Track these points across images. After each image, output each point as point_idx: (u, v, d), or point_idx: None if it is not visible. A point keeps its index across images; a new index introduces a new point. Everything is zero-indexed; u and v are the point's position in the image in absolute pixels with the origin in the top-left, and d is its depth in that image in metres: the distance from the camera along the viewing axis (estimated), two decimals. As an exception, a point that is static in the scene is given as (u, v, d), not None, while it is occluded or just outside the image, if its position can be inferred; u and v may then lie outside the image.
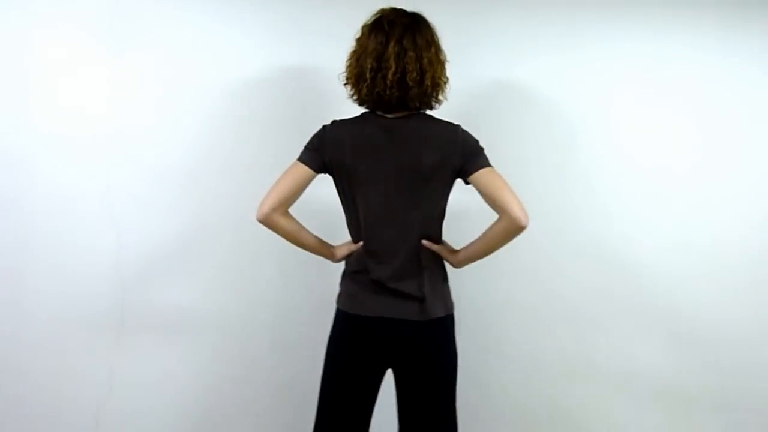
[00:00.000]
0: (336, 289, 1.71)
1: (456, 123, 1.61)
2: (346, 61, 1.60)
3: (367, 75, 1.53)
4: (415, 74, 1.51)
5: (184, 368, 2.09)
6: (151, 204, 2.02)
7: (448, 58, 1.60)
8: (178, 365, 2.08)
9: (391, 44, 1.51)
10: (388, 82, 1.51)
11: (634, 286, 2.11)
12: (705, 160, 2.08)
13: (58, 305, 2.02)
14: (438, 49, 1.57)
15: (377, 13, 1.58)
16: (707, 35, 2.05)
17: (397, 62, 1.51)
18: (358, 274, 1.65)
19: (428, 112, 1.63)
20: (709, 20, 2.04)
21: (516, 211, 1.50)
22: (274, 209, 1.57)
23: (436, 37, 1.58)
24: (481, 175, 1.56)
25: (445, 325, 1.63)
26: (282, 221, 1.60)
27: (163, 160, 2.02)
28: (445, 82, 1.59)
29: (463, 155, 1.57)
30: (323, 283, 1.90)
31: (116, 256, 2.02)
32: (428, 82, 1.53)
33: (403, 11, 1.58)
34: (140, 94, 2.00)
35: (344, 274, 1.70)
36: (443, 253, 1.66)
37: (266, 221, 1.59)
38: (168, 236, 2.04)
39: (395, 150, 1.56)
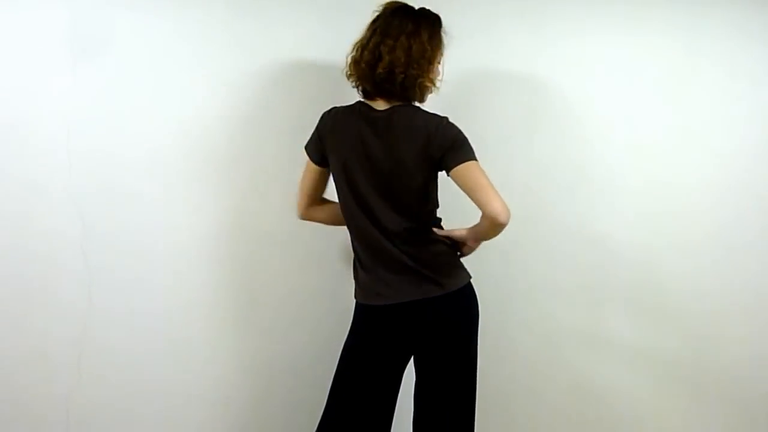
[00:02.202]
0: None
1: (443, 116, 1.61)
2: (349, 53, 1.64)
3: (362, 65, 1.58)
4: (402, 68, 1.54)
5: (152, 361, 1.99)
6: (116, 193, 1.87)
7: (444, 54, 1.63)
8: (145, 357, 1.98)
9: (386, 38, 1.55)
10: (376, 74, 1.55)
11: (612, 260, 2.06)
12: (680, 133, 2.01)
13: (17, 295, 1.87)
14: (434, 46, 1.59)
15: (382, 8, 1.62)
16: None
17: (389, 55, 1.54)
18: (367, 265, 1.66)
19: (418, 104, 1.64)
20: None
21: (493, 209, 1.51)
22: (306, 207, 1.77)
23: (434, 32, 1.60)
24: (460, 170, 1.55)
25: (465, 294, 1.66)
26: (317, 214, 1.79)
27: (128, 149, 1.86)
28: (434, 77, 1.61)
29: (441, 148, 1.56)
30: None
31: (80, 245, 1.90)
32: (414, 72, 1.56)
33: (406, 6, 1.61)
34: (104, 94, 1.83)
35: (354, 267, 1.72)
36: (447, 234, 1.69)
37: (306, 218, 1.79)
38: (133, 226, 1.90)
39: (377, 142, 1.59)
